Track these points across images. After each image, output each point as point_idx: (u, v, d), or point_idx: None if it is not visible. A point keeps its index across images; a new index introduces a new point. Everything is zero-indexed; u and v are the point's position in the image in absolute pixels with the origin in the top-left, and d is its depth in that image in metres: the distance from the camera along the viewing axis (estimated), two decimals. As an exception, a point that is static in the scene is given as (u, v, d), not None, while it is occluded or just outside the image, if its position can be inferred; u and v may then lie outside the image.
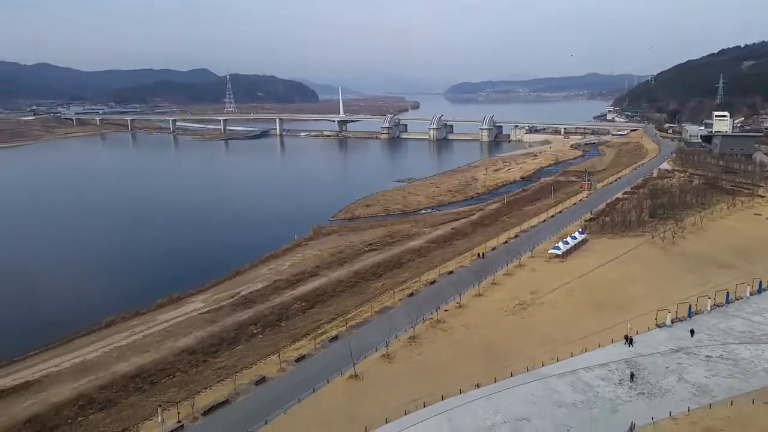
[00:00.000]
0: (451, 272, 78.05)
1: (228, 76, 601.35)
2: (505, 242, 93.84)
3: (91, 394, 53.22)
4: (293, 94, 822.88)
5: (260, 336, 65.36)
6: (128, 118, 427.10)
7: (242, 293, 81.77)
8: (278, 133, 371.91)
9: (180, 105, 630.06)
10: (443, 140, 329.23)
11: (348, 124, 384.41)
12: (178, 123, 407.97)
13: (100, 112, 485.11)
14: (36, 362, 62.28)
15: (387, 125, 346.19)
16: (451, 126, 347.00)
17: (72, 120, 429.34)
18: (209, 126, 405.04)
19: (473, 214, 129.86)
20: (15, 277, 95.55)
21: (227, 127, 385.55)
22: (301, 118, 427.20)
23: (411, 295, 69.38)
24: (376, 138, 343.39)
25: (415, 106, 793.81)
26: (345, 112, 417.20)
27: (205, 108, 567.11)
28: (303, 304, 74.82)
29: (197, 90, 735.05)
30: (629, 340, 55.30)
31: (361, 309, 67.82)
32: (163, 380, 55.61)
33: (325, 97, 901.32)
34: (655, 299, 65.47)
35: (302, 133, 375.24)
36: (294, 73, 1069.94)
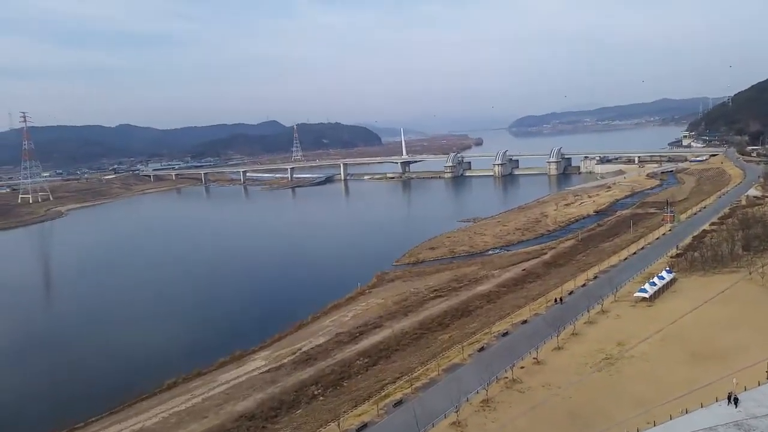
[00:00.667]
0: (525, 321, 71.60)
1: (295, 126, 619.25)
2: (584, 285, 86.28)
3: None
4: (357, 139, 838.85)
5: (321, 398, 61.30)
6: (202, 171, 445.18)
7: (304, 349, 78.47)
8: (342, 178, 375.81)
9: (251, 156, 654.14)
10: (509, 176, 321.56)
11: (411, 165, 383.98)
12: (248, 174, 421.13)
13: (176, 167, 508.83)
14: (96, 429, 60.74)
15: (450, 164, 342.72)
16: (517, 161, 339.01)
17: (150, 176, 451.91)
18: (277, 175, 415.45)
19: (545, 253, 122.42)
20: (74, 337, 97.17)
21: (294, 175, 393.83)
22: (364, 161, 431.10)
23: (482, 349, 63.51)
24: (440, 177, 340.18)
25: (479, 143, 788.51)
26: (408, 153, 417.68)
27: (274, 158, 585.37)
28: (365, 360, 70.46)
29: (267, 141, 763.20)
30: (734, 400, 47.22)
31: (428, 367, 62.58)
32: (219, 451, 52.28)
33: (388, 139, 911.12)
34: (761, 347, 56.65)
35: (366, 177, 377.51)
36: (358, 118, 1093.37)
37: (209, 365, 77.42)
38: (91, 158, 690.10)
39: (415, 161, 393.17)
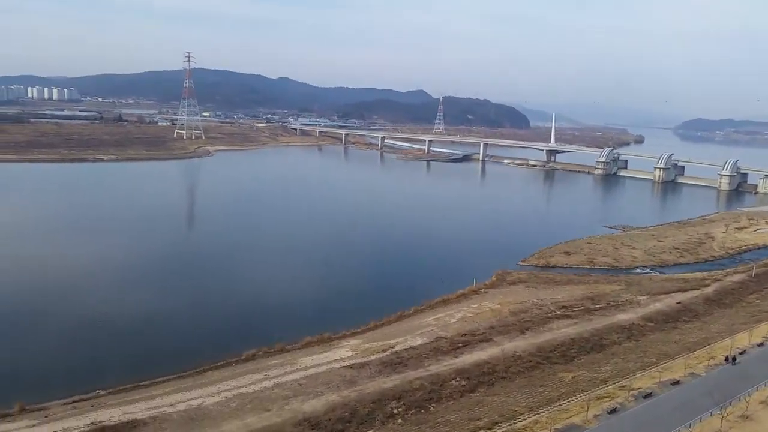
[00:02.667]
0: (676, 382, 55.29)
1: (441, 98, 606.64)
2: (761, 344, 66.73)
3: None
4: (503, 119, 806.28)
5: (399, 421, 50.78)
6: (343, 132, 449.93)
7: (396, 348, 68.31)
8: (480, 158, 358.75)
9: (393, 123, 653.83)
10: (670, 183, 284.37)
11: (557, 155, 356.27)
12: (386, 140, 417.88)
13: (321, 124, 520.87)
14: (158, 393, 55.46)
15: (603, 159, 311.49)
16: (683, 167, 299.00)
17: (296, 130, 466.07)
18: (414, 145, 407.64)
19: (707, 285, 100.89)
20: (191, 279, 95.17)
21: (431, 148, 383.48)
22: (507, 143, 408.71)
23: (613, 411, 48.96)
24: (588, 173, 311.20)
25: (639, 141, 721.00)
26: (556, 141, 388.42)
27: (415, 128, 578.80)
28: (463, 383, 58.57)
29: (412, 110, 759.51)
30: None
31: (537, 418, 49.31)
32: (267, 463, 43.98)
33: (536, 123, 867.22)
34: None
35: (505, 160, 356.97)
36: (507, 97, 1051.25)
37: (294, 342, 70.42)
38: (249, 105, 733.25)
39: (563, 151, 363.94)
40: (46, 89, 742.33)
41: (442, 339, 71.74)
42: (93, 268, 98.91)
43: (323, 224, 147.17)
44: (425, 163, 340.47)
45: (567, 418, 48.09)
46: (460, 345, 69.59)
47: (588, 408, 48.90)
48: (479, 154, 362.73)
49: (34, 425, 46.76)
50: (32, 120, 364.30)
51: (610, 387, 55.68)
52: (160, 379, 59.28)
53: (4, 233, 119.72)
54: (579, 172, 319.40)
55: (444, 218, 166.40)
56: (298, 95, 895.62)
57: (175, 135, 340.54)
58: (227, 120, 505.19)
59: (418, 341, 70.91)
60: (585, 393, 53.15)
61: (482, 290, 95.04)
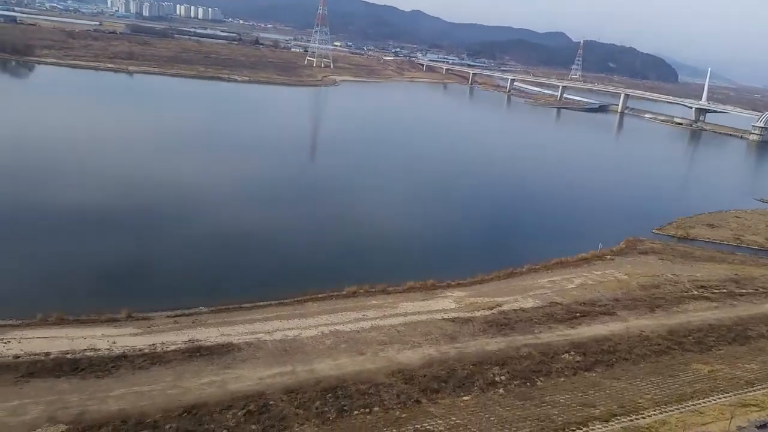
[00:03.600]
0: None
1: (581, 42, 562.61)
2: None
3: (259, 403, 41.33)
4: (649, 70, 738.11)
5: (500, 390, 46.07)
6: (471, 71, 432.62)
7: (504, 307, 63.03)
8: (619, 110, 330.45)
9: (527, 65, 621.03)
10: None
11: (707, 114, 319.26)
12: (515, 83, 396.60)
13: (450, 61, 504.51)
14: (258, 318, 54.90)
15: (761, 124, 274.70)
16: None
17: (423, 66, 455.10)
18: (546, 91, 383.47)
19: None
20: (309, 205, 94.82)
21: (564, 95, 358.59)
22: (650, 97, 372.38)
23: (763, 426, 40.88)
24: (741, 137, 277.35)
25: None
26: (708, 100, 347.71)
27: (549, 72, 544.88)
28: (578, 359, 52.40)
29: (548, 52, 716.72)
30: None
31: (663, 415, 42.39)
32: (354, 412, 41.37)
33: (686, 78, 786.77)
34: None
35: (647, 115, 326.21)
36: (655, 48, 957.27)
37: (396, 285, 67.35)
38: (380, 38, 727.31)
39: (715, 111, 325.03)
40: (192, 7, 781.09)
41: (556, 305, 65.30)
42: (218, 187, 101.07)
43: (441, 167, 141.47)
44: (555, 110, 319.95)
45: (703, 425, 40.82)
46: (578, 315, 62.86)
47: (731, 417, 41.17)
48: (618, 105, 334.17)
49: (137, 334, 47.61)
50: (176, 36, 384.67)
51: (757, 392, 47.05)
52: (261, 303, 58.81)
53: (140, 142, 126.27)
54: (730, 135, 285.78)
55: (570, 173, 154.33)
56: (430, 30, 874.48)
57: (305, 62, 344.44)
58: (357, 51, 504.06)
59: (529, 303, 65.05)
60: (726, 395, 45.26)
61: (608, 257, 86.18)
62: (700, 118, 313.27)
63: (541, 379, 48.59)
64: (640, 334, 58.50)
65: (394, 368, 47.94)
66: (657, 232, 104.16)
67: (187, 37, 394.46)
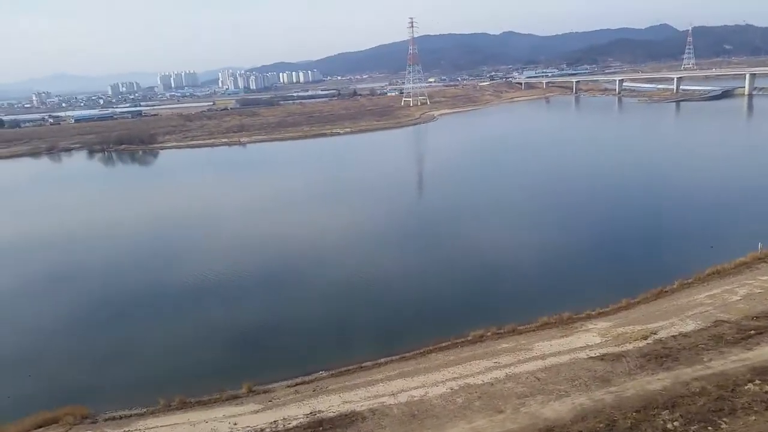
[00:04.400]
0: None
1: (690, 29, 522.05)
2: None
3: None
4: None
5: (676, 441, 38.02)
6: (573, 80, 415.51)
7: (660, 335, 54.11)
8: (746, 92, 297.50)
9: (632, 64, 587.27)
10: None
11: None
12: (624, 83, 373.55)
13: (549, 74, 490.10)
14: (380, 378, 50.99)
15: None
16: None
17: (521, 84, 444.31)
18: (660, 86, 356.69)
19: None
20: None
21: (681, 87, 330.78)
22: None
23: None
24: None
25: None
26: None
27: (659, 66, 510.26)
28: (766, 389, 42.65)
29: (653, 47, 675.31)
30: None
31: None
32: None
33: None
34: None
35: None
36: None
37: (528, 323, 60.77)
38: (473, 65, 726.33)
39: None
40: (293, 73, 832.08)
41: (723, 323, 55.13)
42: (332, 237, 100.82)
43: (551, 185, 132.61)
44: (674, 104, 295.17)
45: None
46: (752, 332, 52.37)
47: None
48: (744, 87, 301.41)
49: (258, 411, 45.40)
50: (281, 102, 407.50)
51: None
52: (382, 360, 55.04)
53: (244, 210, 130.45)
54: None
55: (705, 169, 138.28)
56: (523, 48, 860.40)
57: (402, 103, 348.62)
58: (451, 83, 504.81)
59: (690, 326, 55.47)
60: None
61: (772, 257, 73.32)
62: None
63: (724, 420, 39.64)
64: None
65: (540, 426, 41.39)
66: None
67: (291, 101, 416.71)
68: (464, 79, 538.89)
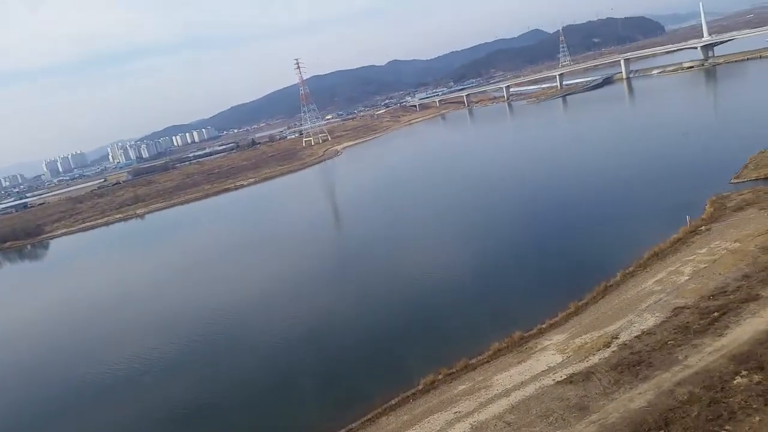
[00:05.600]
0: None
1: (560, 29, 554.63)
2: None
3: None
4: (634, 32, 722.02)
5: (684, 469, 31.92)
6: (464, 94, 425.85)
7: (621, 338, 48.93)
8: (624, 76, 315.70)
9: (514, 71, 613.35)
10: None
11: (715, 48, 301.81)
12: (511, 89, 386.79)
13: (440, 93, 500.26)
14: None
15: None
16: None
17: (416, 106, 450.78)
18: (544, 85, 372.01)
19: None
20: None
21: (564, 82, 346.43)
22: (650, 53, 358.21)
23: None
24: (761, 57, 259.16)
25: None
26: (710, 34, 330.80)
27: (538, 68, 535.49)
28: (756, 378, 37.77)
29: (529, 52, 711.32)
30: None
31: None
32: None
33: (672, 27, 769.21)
34: None
35: (654, 71, 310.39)
36: (634, 9, 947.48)
37: (479, 352, 54.15)
38: (366, 96, 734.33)
39: (722, 41, 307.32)
40: (187, 134, 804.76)
41: (682, 310, 50.87)
42: (240, 295, 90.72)
43: (466, 200, 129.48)
44: (560, 99, 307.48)
45: None
46: (716, 314, 48.22)
47: None
48: (621, 72, 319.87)
49: None
50: (178, 165, 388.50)
51: None
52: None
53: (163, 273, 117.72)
54: (748, 59, 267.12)
55: (603, 154, 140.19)
56: (411, 73, 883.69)
57: (304, 144, 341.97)
58: (348, 117, 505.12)
59: (650, 321, 50.74)
60: None
61: (702, 228, 71.41)
62: (710, 55, 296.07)
63: (727, 428, 34.18)
64: (815, 316, 43.65)
65: (524, 483, 34.25)
66: (736, 180, 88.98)
67: (187, 162, 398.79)
68: (360, 111, 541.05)
